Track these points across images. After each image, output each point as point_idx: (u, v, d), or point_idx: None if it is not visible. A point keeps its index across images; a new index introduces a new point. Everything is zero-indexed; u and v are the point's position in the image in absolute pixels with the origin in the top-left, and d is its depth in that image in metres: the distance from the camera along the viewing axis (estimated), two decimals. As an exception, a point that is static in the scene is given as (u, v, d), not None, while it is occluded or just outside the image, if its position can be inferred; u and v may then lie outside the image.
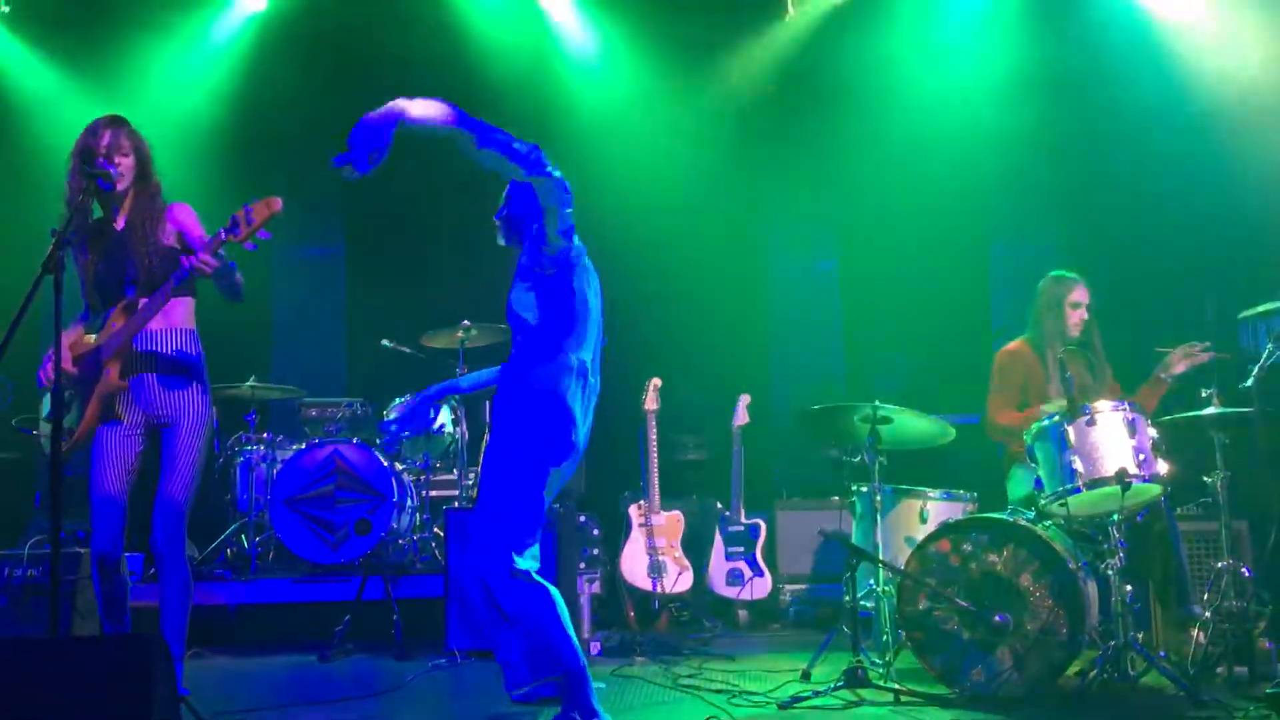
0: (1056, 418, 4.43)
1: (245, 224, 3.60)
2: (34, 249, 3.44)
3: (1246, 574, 4.58)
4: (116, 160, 3.89)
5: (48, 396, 3.87)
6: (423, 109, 3.39)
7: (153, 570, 6.11)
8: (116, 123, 3.96)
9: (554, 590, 3.63)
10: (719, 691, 4.43)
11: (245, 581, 6.14)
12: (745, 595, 6.26)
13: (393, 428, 3.97)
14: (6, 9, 7.36)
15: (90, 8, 7.40)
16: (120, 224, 3.95)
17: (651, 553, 6.13)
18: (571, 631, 3.63)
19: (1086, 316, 5.14)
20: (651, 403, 6.27)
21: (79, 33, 7.42)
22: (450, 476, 6.75)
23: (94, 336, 3.89)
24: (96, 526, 3.84)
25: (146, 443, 3.92)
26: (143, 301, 3.79)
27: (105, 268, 3.91)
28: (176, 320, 3.92)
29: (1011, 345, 5.28)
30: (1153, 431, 4.38)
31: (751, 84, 7.74)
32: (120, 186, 3.91)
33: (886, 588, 4.77)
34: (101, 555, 3.82)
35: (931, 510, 5.11)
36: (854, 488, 5.27)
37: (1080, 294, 5.16)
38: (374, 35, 7.50)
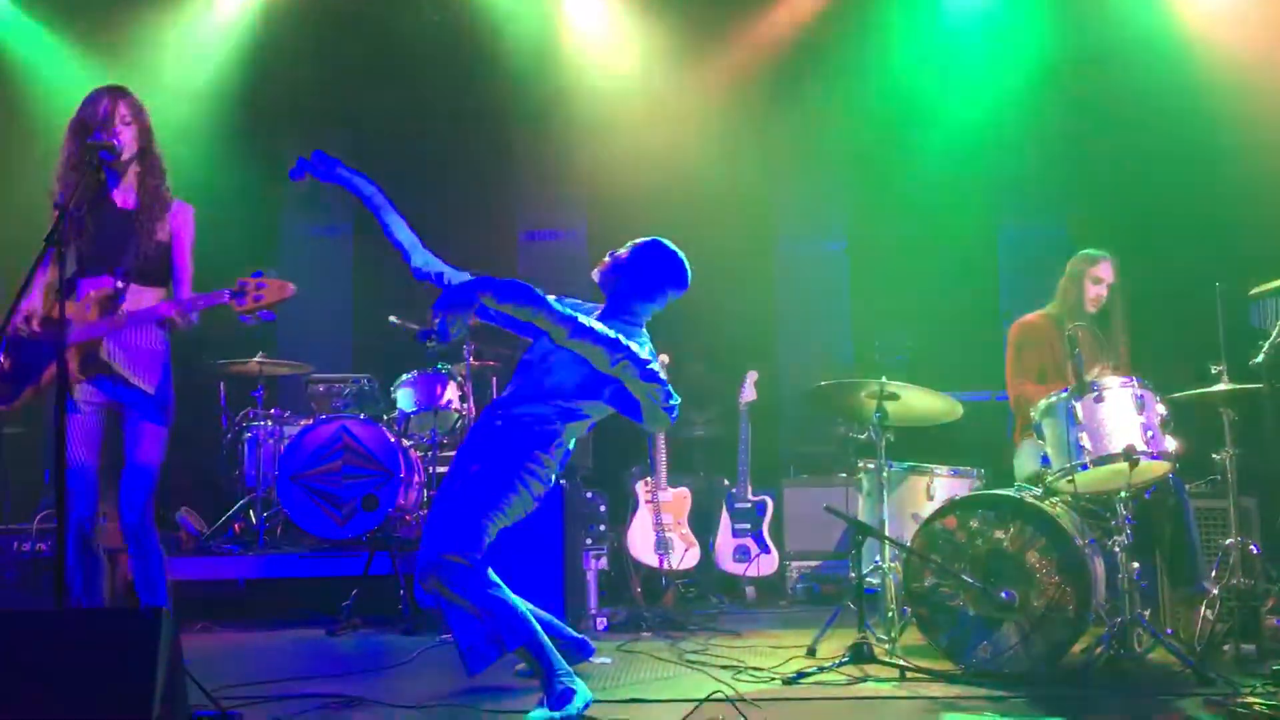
0: (1065, 393, 4.41)
1: (252, 299, 3.56)
2: (42, 223, 3.43)
3: (1255, 551, 4.57)
4: (117, 129, 3.84)
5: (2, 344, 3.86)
6: (511, 299, 3.45)
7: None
8: (115, 92, 3.90)
9: (489, 570, 3.68)
10: (725, 667, 4.43)
11: (253, 556, 6.16)
12: (752, 572, 6.27)
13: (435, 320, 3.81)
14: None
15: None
16: (121, 202, 3.92)
17: (658, 529, 6.14)
18: (518, 602, 3.69)
19: (1105, 294, 5.12)
20: (659, 379, 6.26)
21: (89, 7, 7.40)
22: (457, 453, 6.75)
23: (72, 306, 3.81)
24: (71, 500, 3.83)
25: (106, 421, 3.92)
26: (124, 310, 3.76)
27: (99, 246, 3.87)
28: (145, 311, 3.87)
29: (1030, 316, 5.27)
30: (1161, 408, 4.36)
31: (760, 63, 7.69)
32: (125, 157, 3.88)
33: (892, 564, 4.76)
34: (80, 522, 3.82)
35: (938, 487, 5.10)
36: (861, 464, 5.26)
37: (1104, 270, 5.14)
38: (384, 10, 7.47)
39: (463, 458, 3.85)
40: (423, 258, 3.90)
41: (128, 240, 3.84)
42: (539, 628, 3.72)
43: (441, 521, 3.72)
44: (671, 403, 3.55)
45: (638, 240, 3.92)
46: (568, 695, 3.63)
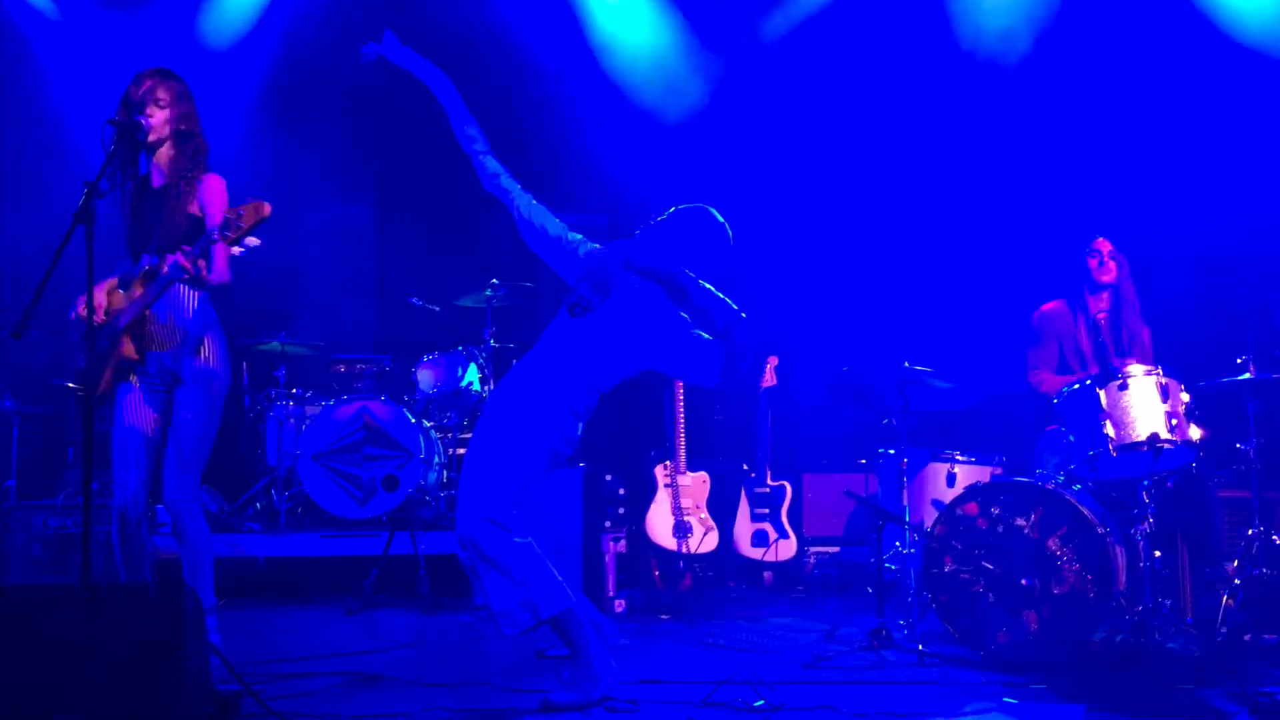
0: (1088, 380, 4.40)
1: (235, 227, 3.56)
2: (69, 202, 3.44)
3: (1277, 542, 4.54)
4: (149, 111, 3.85)
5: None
6: (650, 265, 3.72)
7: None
8: (158, 74, 3.91)
9: (529, 537, 3.68)
10: (743, 650, 4.45)
11: (274, 535, 6.20)
12: (770, 557, 6.27)
13: None
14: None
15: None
16: (156, 182, 3.95)
17: (677, 513, 6.14)
18: (555, 572, 3.68)
19: (1106, 267, 5.10)
20: (679, 364, 6.26)
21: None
22: (478, 435, 6.77)
23: (122, 295, 3.88)
24: (119, 480, 3.83)
25: (164, 402, 3.91)
26: (165, 266, 3.77)
27: (136, 226, 3.91)
28: (162, 277, 3.80)
29: (1049, 305, 5.26)
30: (1185, 396, 4.34)
31: (765, 42, 7.64)
32: (153, 139, 3.89)
33: (912, 550, 4.76)
34: (123, 509, 3.81)
35: (959, 473, 5.09)
36: (881, 450, 5.26)
37: (1096, 246, 5.16)
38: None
39: (489, 416, 3.82)
40: (490, 158, 3.95)
41: (159, 219, 3.86)
42: (574, 602, 3.71)
43: (470, 484, 3.71)
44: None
45: (680, 206, 3.92)
46: (595, 677, 3.64)
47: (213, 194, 3.90)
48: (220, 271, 3.80)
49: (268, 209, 3.57)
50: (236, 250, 3.74)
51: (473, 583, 3.77)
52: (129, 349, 3.81)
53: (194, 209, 3.87)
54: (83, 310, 3.65)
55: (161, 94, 3.88)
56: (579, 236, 3.87)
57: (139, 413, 3.88)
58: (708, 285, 3.71)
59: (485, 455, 3.73)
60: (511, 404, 3.77)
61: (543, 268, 4.06)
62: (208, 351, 3.91)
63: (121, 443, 3.87)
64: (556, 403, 3.73)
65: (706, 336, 3.68)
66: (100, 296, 3.85)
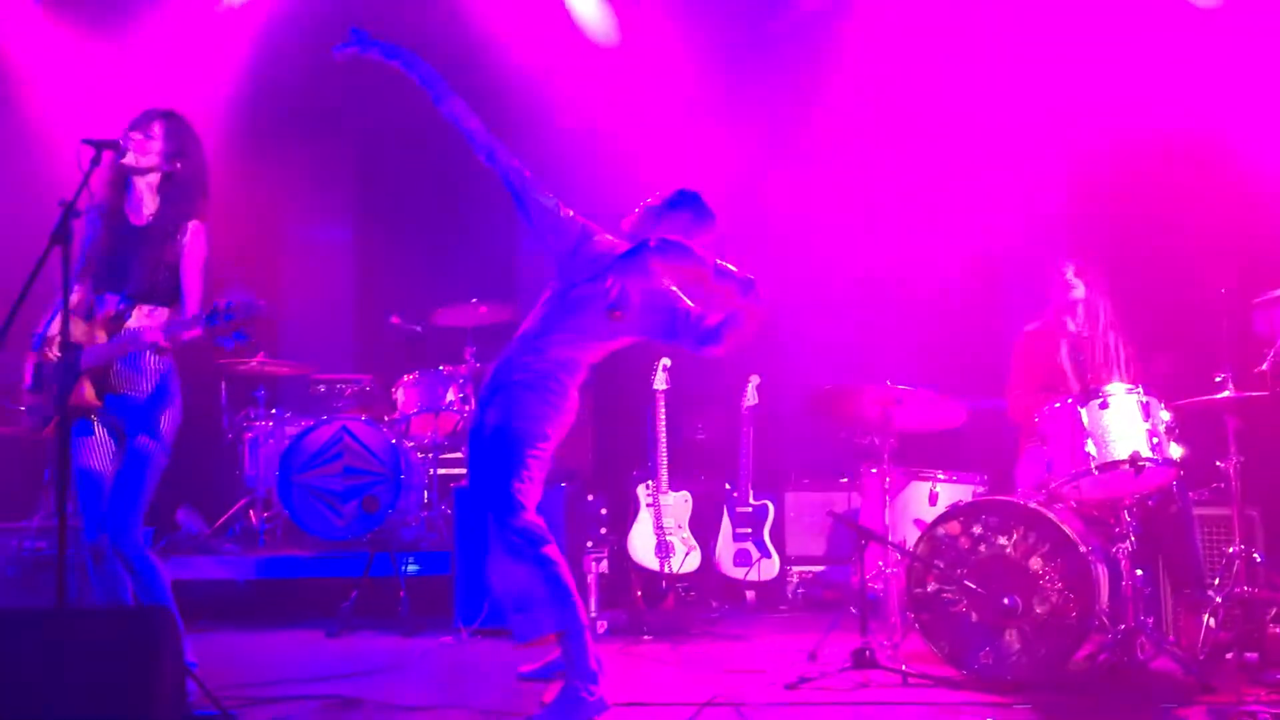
0: (1070, 400, 4.40)
1: (223, 323, 3.53)
2: (45, 220, 3.41)
3: (1258, 559, 4.55)
4: (133, 136, 3.82)
5: (30, 367, 3.85)
6: (675, 257, 3.77)
7: (161, 544, 6.14)
8: (161, 111, 3.91)
9: (555, 547, 3.72)
10: (726, 671, 4.42)
11: (253, 556, 6.15)
12: (753, 576, 6.25)
13: None
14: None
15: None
16: (134, 219, 3.88)
17: (659, 533, 6.12)
18: (573, 587, 3.70)
19: (1073, 285, 5.13)
20: (661, 383, 6.25)
21: (87, 7, 7.39)
22: (459, 455, 6.74)
23: (85, 328, 3.77)
24: (85, 516, 3.78)
25: (119, 440, 3.84)
26: (127, 329, 3.73)
27: (110, 265, 3.83)
28: (130, 335, 3.78)
29: (1031, 327, 5.28)
30: (1166, 415, 4.35)
31: (766, 61, 7.67)
32: (135, 163, 3.84)
33: (895, 570, 4.75)
34: (93, 545, 3.75)
35: (941, 492, 5.09)
36: (863, 469, 5.25)
37: (1062, 266, 5.19)
38: (388, 14, 7.44)
39: (482, 417, 3.87)
40: (486, 137, 3.93)
41: (134, 259, 3.81)
42: (586, 622, 3.72)
43: (482, 490, 3.80)
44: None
45: (668, 190, 4.06)
46: (583, 704, 3.61)
47: (192, 243, 3.85)
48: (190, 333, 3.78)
49: (260, 309, 3.54)
50: (221, 341, 3.68)
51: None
52: (90, 394, 3.74)
53: (171, 257, 3.80)
54: (51, 345, 3.65)
55: (154, 127, 3.86)
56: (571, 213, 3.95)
57: (96, 453, 3.82)
58: (720, 261, 3.78)
59: (484, 458, 3.79)
60: (500, 399, 3.81)
61: (523, 286, 4.07)
62: (163, 397, 3.85)
63: (82, 482, 3.81)
64: (569, 386, 3.83)
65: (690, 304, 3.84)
66: (56, 327, 3.81)
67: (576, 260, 3.86)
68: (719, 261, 3.75)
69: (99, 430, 3.83)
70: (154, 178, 3.89)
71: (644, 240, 3.79)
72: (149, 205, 3.89)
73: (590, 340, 3.85)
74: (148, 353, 3.80)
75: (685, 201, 4.00)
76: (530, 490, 3.76)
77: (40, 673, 2.87)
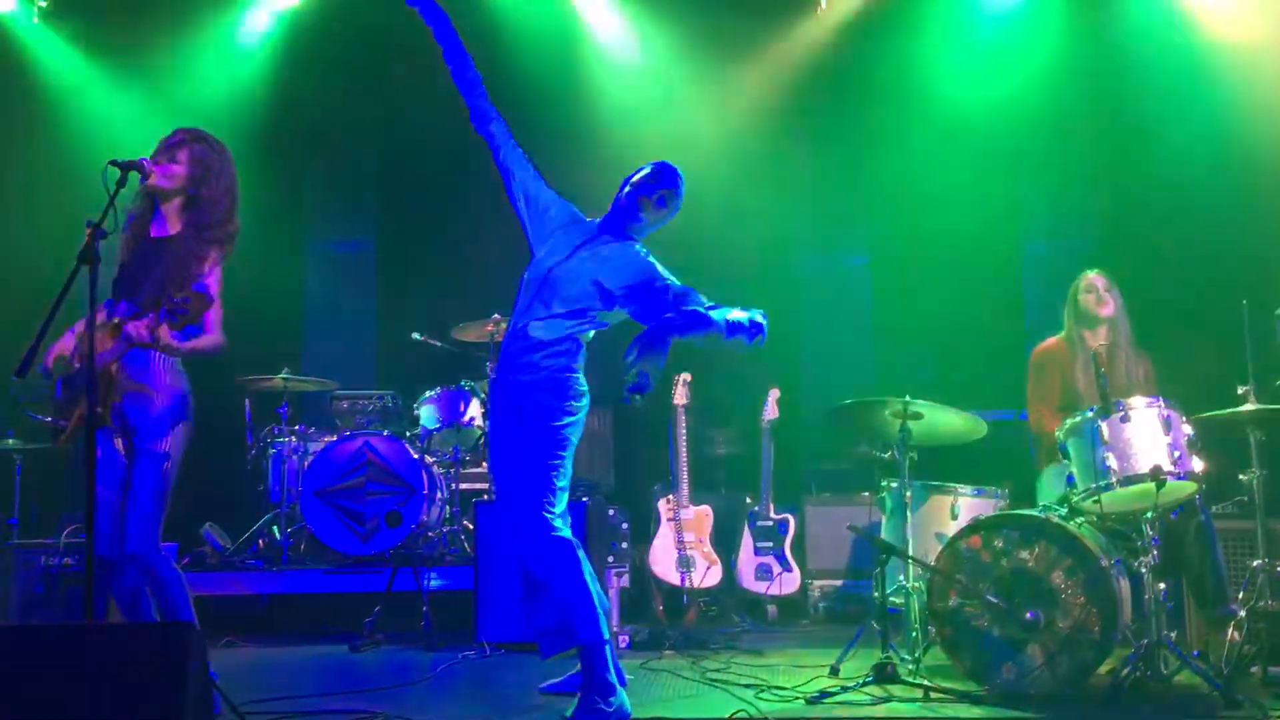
0: (1090, 414, 4.39)
1: (179, 313, 3.57)
2: (73, 240, 3.45)
3: (1282, 573, 4.52)
4: (158, 159, 3.88)
5: (55, 381, 3.89)
6: (696, 329, 3.79)
7: (185, 560, 6.19)
8: (190, 133, 3.96)
9: (583, 556, 3.78)
10: (747, 686, 4.42)
11: (277, 572, 6.19)
12: (774, 590, 6.25)
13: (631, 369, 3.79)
14: (44, 3, 7.46)
15: (125, 3, 7.47)
16: (156, 232, 3.93)
17: (680, 547, 6.13)
18: (598, 601, 3.76)
19: (1103, 301, 5.12)
20: (681, 397, 6.27)
21: (114, 27, 7.49)
22: (480, 469, 6.77)
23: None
24: (96, 531, 3.81)
25: (129, 451, 3.87)
26: (126, 329, 3.74)
27: (127, 276, 3.90)
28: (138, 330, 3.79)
29: (1047, 342, 5.28)
30: (1188, 428, 4.33)
31: (783, 78, 7.69)
32: (159, 186, 3.89)
33: (916, 584, 4.74)
34: (100, 559, 3.76)
35: (962, 506, 5.07)
36: (884, 483, 5.24)
37: (1091, 281, 5.17)
38: (404, 30, 7.50)
39: (499, 426, 3.99)
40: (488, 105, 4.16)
41: (148, 273, 3.85)
42: (608, 636, 3.77)
43: (508, 501, 3.86)
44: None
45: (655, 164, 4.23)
46: (600, 716, 3.62)
47: (210, 270, 3.88)
48: (208, 336, 3.83)
49: (211, 299, 3.62)
50: (176, 336, 3.72)
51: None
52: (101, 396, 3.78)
53: (182, 279, 3.81)
54: (63, 353, 3.70)
55: (180, 153, 3.92)
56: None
57: (106, 467, 3.83)
58: (728, 312, 3.86)
59: (508, 475, 3.88)
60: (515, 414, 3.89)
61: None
62: (174, 410, 3.87)
63: (96, 494, 3.82)
64: (577, 372, 3.96)
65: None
66: (69, 341, 3.88)
67: (565, 236, 4.01)
68: (729, 319, 3.82)
69: (111, 443, 3.87)
70: (177, 200, 3.95)
71: (664, 319, 3.80)
72: (172, 225, 3.95)
73: (581, 315, 3.94)
74: (158, 364, 3.84)
75: (668, 178, 4.13)
76: (556, 499, 3.79)
77: (67, 688, 2.90)
